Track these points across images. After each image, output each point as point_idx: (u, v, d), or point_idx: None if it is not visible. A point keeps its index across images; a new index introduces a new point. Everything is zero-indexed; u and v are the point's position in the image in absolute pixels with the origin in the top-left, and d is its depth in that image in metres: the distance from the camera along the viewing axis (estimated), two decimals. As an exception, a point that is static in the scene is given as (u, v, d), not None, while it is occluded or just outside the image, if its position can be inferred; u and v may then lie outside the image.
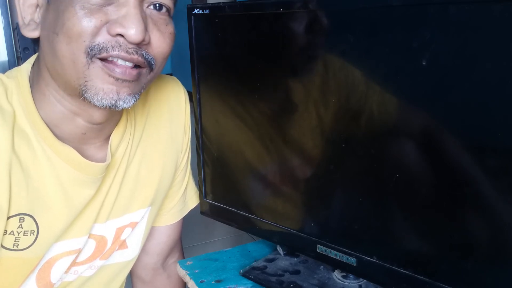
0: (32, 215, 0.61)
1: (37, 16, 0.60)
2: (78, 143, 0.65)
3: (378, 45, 0.57)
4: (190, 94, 0.81)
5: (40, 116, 0.61)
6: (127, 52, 0.55)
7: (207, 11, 0.74)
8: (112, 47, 0.55)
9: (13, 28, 3.30)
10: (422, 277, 0.58)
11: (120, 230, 0.74)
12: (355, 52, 0.59)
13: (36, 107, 0.61)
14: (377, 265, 0.63)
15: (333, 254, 0.68)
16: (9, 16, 3.30)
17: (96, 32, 0.55)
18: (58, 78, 0.59)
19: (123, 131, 0.70)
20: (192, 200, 0.88)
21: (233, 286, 0.77)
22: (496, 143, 0.50)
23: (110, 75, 0.56)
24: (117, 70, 0.56)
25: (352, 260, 0.65)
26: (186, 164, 0.84)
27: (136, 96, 0.60)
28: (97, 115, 0.62)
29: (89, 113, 0.62)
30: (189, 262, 0.85)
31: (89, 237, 0.70)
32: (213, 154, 0.82)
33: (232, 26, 0.73)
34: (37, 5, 0.60)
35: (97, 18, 0.54)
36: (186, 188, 0.86)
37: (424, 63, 0.53)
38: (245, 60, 0.73)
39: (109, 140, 0.68)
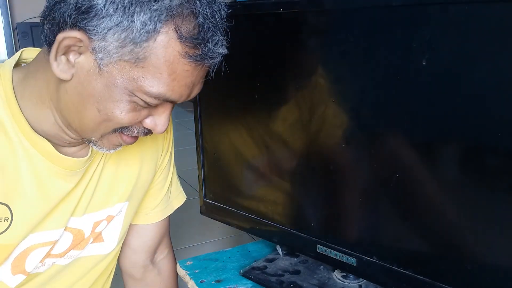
0: (6, 203, 0.63)
1: (73, 59, 0.56)
2: (58, 141, 0.66)
3: (378, 45, 0.57)
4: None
5: (20, 109, 0.62)
6: (146, 134, 0.64)
7: (207, 11, 0.74)
8: (138, 132, 0.62)
9: (13, 28, 3.30)
10: (422, 277, 0.58)
11: (97, 224, 0.75)
12: (354, 52, 0.59)
13: (18, 103, 0.61)
14: (377, 265, 0.63)
15: (333, 254, 0.68)
16: (9, 16, 3.30)
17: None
18: (69, 123, 0.61)
19: None
20: (177, 199, 0.88)
21: (233, 286, 0.77)
22: (496, 143, 0.50)
23: (120, 144, 0.64)
24: (127, 141, 0.63)
25: (352, 260, 0.65)
26: (169, 164, 0.84)
27: None
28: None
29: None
30: (189, 262, 0.85)
31: (65, 230, 0.71)
32: (213, 155, 0.82)
33: (232, 26, 0.73)
34: (77, 49, 0.56)
35: (142, 116, 0.60)
36: (170, 188, 0.86)
37: (424, 63, 0.53)
38: (245, 60, 0.73)
39: None
